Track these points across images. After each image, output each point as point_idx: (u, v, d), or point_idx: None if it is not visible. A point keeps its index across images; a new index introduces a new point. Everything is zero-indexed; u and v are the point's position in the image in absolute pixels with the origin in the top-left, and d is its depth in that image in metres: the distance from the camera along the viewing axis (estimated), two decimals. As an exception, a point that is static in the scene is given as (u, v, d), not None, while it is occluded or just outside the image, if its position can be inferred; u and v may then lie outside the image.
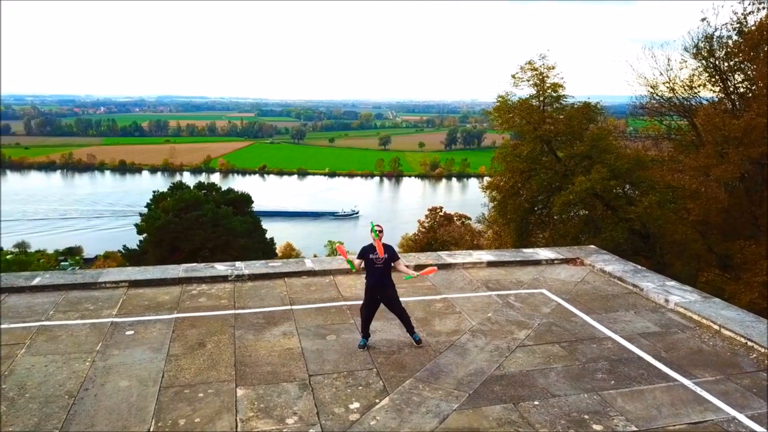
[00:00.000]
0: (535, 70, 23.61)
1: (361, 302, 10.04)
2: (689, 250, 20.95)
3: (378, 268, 8.19)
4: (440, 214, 52.70)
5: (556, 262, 12.59)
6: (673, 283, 11.07)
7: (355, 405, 6.85)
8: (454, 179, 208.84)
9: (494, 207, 26.03)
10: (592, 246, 14.28)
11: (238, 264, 11.79)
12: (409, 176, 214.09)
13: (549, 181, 23.15)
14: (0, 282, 10.22)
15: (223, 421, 6.46)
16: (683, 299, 10.06)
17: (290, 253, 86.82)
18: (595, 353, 8.32)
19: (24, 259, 65.29)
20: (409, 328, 8.52)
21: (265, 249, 31.67)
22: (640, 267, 12.18)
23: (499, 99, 24.36)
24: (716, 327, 9.08)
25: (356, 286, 10.98)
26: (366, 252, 8.20)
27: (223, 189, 33.61)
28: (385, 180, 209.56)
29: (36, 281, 10.37)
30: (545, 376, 7.63)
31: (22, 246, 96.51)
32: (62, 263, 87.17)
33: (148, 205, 30.55)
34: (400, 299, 8.55)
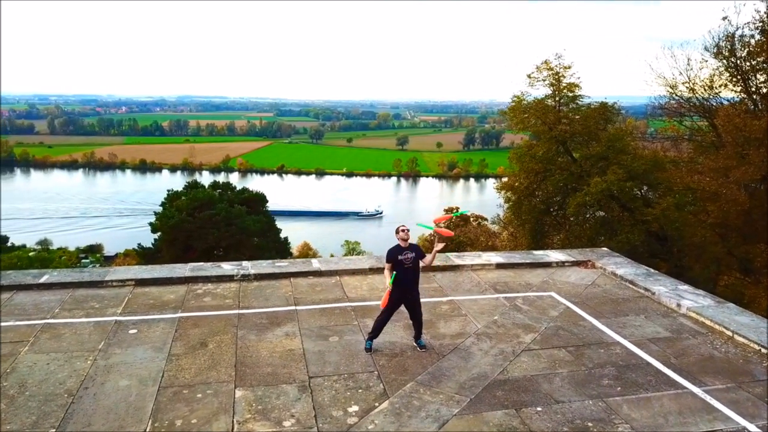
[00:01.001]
0: (551, 69, 23.32)
1: (365, 303, 9.99)
2: (708, 253, 20.50)
3: (408, 269, 8.05)
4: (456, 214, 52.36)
5: (566, 264, 12.37)
6: (686, 287, 10.80)
7: (354, 408, 6.75)
8: (471, 180, 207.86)
9: (509, 208, 25.78)
10: (605, 248, 14.02)
11: (245, 263, 11.76)
12: (427, 176, 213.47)
13: (564, 182, 22.85)
14: (0, 280, 10.27)
15: (220, 422, 6.41)
16: (696, 304, 9.80)
17: (307, 252, 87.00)
18: (603, 358, 8.13)
19: (46, 256, 66.31)
20: (418, 334, 8.41)
21: (279, 248, 31.71)
22: (652, 270, 11.91)
23: (514, 99, 24.13)
24: (729, 333, 8.83)
25: (361, 287, 10.89)
26: (394, 254, 8.04)
27: (237, 188, 33.76)
28: (403, 180, 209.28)
29: (44, 279, 10.43)
30: (550, 381, 7.46)
31: (44, 243, 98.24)
32: (83, 260, 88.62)
33: (162, 204, 30.77)
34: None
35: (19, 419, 6.37)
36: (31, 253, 68.55)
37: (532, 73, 23.68)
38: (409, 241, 8.10)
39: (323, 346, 8.39)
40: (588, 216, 23.41)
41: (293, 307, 9.83)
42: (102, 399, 6.82)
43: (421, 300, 10.11)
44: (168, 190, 32.04)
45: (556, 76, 23.27)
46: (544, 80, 23.59)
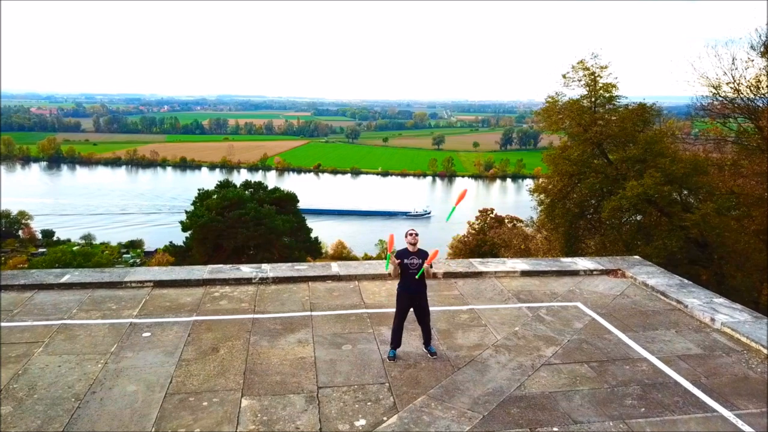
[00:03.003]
0: (587, 69, 22.70)
1: (382, 310, 9.75)
2: (751, 261, 19.59)
3: (413, 274, 7.80)
4: (491, 215, 51.70)
5: (595, 273, 11.88)
6: (721, 300, 10.21)
7: (361, 422, 6.52)
8: (508, 180, 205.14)
9: (542, 211, 25.20)
10: (636, 257, 13.44)
11: (264, 266, 11.65)
12: (463, 176, 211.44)
13: (599, 185, 22.17)
14: (1, 280, 10.38)
15: (223, 433, 6.27)
16: (731, 319, 9.24)
17: (341, 251, 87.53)
18: (627, 376, 7.69)
19: (89, 250, 68.16)
20: (427, 340, 8.16)
21: (309, 248, 31.72)
22: (686, 281, 11.31)
23: (548, 100, 23.58)
24: (766, 351, 8.26)
25: (380, 293, 10.65)
26: (401, 256, 7.81)
27: (269, 188, 33.86)
28: (438, 180, 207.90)
29: (65, 279, 10.52)
30: (569, 399, 7.09)
31: (87, 238, 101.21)
32: (124, 256, 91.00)
33: (193, 203, 31.09)
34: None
35: (24, 423, 6.34)
36: (75, 248, 70.71)
37: (567, 73, 23.14)
38: (418, 247, 7.82)
39: (335, 355, 8.18)
40: (624, 220, 22.68)
41: (308, 313, 9.66)
42: (108, 404, 6.76)
43: (439, 308, 9.96)
44: (199, 189, 32.35)
45: (592, 76, 22.66)
46: (579, 80, 23.01)
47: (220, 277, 10.89)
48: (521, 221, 47.83)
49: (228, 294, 10.46)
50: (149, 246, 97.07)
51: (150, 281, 10.61)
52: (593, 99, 22.94)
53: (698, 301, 10.04)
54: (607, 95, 22.70)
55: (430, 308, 9.68)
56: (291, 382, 7.40)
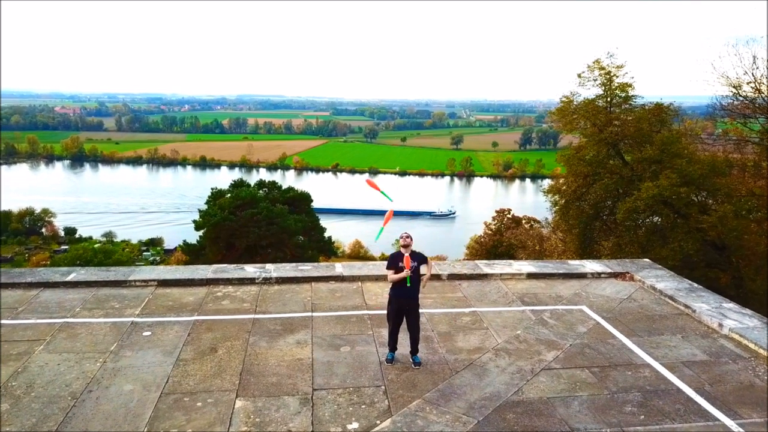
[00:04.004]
0: (603, 69, 22.42)
1: (384, 312, 9.64)
2: (771, 264, 19.13)
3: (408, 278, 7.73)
4: (508, 216, 51.29)
5: (602, 276, 11.68)
6: (731, 305, 9.96)
7: (354, 425, 6.47)
8: (527, 180, 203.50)
9: (556, 212, 24.94)
10: (646, 259, 13.19)
11: (268, 266, 11.66)
12: (481, 176, 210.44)
13: (615, 186, 21.87)
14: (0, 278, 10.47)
15: (214, 434, 6.25)
16: (740, 324, 9.01)
17: (358, 250, 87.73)
18: (628, 382, 7.53)
19: (110, 248, 69.15)
20: (414, 349, 8.00)
21: (323, 248, 31.76)
22: (696, 285, 11.06)
23: (563, 100, 23.33)
24: (774, 359, 8.04)
25: (382, 294, 10.55)
26: (395, 260, 7.76)
27: (283, 187, 33.97)
28: (456, 180, 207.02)
29: (71, 277, 10.62)
30: (567, 405, 6.96)
31: (109, 236, 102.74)
32: (144, 253, 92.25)
33: (207, 202, 31.35)
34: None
35: (20, 421, 6.40)
36: (96, 245, 71.86)
37: (583, 72, 22.88)
38: (412, 248, 7.74)
39: (333, 357, 8.14)
40: (640, 222, 22.33)
41: (309, 314, 9.63)
42: (103, 403, 6.79)
43: (441, 310, 9.86)
44: (212, 188, 32.62)
45: (608, 76, 22.38)
46: (594, 80, 22.76)
47: (224, 276, 10.91)
48: (538, 222, 47.39)
49: (231, 294, 10.48)
50: (169, 244, 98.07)
51: (154, 280, 10.68)
52: (609, 99, 22.66)
53: (707, 306, 9.82)
54: (623, 95, 22.42)
55: (434, 310, 9.68)
56: (287, 383, 7.37)
